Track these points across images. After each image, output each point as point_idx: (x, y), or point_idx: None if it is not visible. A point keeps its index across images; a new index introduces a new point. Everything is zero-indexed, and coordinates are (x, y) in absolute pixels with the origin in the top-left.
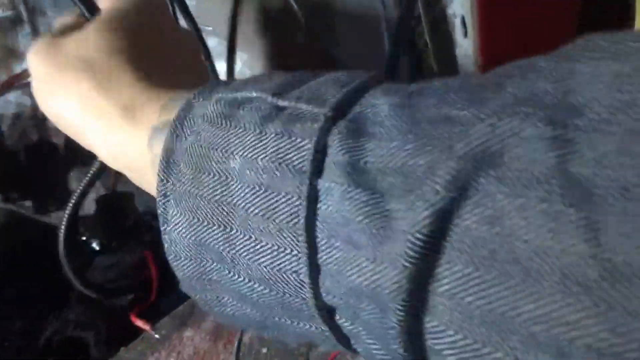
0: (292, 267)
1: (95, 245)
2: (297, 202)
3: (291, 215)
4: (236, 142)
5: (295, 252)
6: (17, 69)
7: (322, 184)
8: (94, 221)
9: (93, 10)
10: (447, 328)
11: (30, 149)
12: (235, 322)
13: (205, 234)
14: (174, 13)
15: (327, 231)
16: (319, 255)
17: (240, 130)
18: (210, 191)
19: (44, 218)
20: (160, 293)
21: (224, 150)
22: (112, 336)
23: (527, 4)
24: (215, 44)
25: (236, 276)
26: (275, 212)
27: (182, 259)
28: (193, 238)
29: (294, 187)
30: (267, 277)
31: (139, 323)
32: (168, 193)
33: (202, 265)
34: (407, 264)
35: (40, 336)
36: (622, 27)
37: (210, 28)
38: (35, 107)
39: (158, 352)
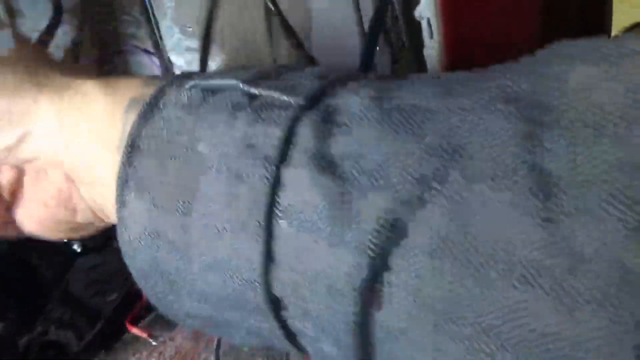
0: (246, 255)
1: (76, 247)
2: (260, 189)
3: (253, 202)
4: (205, 127)
5: (252, 239)
6: None
7: (288, 171)
8: None
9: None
10: (400, 318)
11: None
12: (185, 319)
13: (162, 220)
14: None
15: (288, 219)
16: (276, 243)
17: (211, 116)
18: (174, 176)
19: None
20: None
21: (192, 136)
22: (95, 337)
23: (491, 7)
24: (195, 44)
25: (189, 265)
26: (238, 198)
27: (135, 247)
28: (149, 226)
29: (259, 173)
30: (220, 265)
31: (136, 331)
32: (129, 178)
33: (154, 254)
34: (368, 251)
35: (20, 339)
36: (582, 26)
37: (191, 29)
38: None
39: (139, 353)
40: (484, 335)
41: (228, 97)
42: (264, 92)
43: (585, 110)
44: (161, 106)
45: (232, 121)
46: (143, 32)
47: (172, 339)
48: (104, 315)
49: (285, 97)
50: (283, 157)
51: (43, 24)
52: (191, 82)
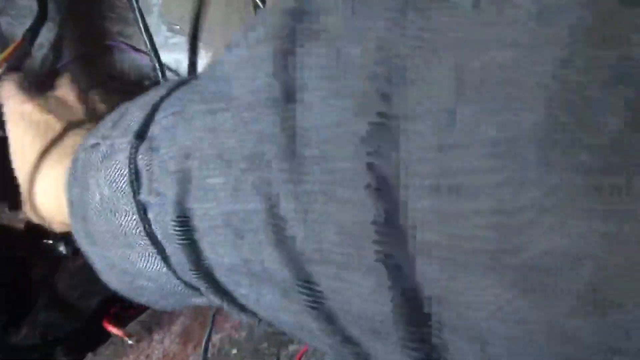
0: (148, 262)
1: (62, 249)
2: (134, 217)
3: (135, 227)
4: (90, 180)
5: (147, 252)
6: None
7: (143, 197)
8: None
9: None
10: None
11: None
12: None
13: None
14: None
15: (161, 228)
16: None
17: (93, 170)
18: (81, 209)
19: (11, 222)
20: None
21: (86, 186)
22: (81, 340)
23: None
24: (182, 41)
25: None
26: (123, 228)
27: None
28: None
29: (128, 205)
30: (124, 266)
31: (112, 329)
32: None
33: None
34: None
35: (7, 342)
36: None
37: (178, 26)
38: None
39: (127, 356)
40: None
41: (97, 153)
42: (108, 142)
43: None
44: (75, 166)
45: (102, 171)
46: (131, 30)
47: (160, 342)
48: (86, 317)
49: (122, 140)
50: (136, 189)
51: (26, 21)
52: (83, 144)
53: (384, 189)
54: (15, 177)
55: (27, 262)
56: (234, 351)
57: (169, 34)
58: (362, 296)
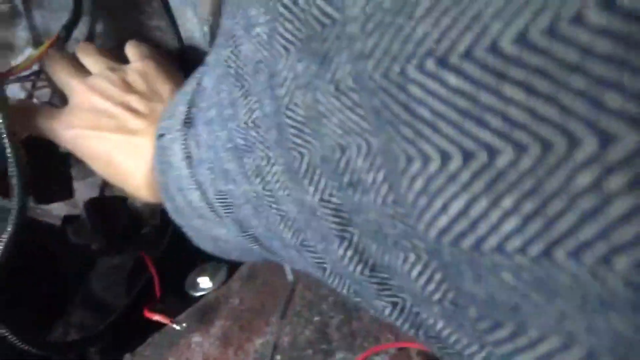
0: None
1: (94, 247)
2: (197, 193)
3: (200, 201)
4: (164, 165)
5: (215, 221)
6: (15, 64)
7: (198, 178)
8: (87, 225)
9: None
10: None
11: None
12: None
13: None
14: None
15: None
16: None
17: (165, 156)
18: (165, 189)
19: (46, 218)
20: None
21: (164, 169)
22: (116, 341)
23: None
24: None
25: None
26: (193, 203)
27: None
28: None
29: (191, 185)
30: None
31: (157, 317)
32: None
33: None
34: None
35: (43, 339)
36: None
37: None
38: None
39: (165, 357)
40: None
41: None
42: (168, 135)
43: None
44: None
45: (172, 150)
46: (165, 24)
47: (199, 345)
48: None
49: (174, 126)
50: (189, 164)
51: (61, 16)
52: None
53: None
54: (43, 167)
55: (62, 258)
56: (278, 357)
57: (206, 29)
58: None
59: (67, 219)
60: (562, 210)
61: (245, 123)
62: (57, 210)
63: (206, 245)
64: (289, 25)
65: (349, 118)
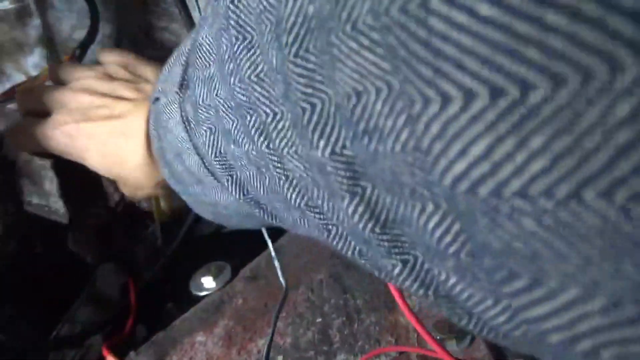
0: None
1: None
2: (195, 158)
3: (198, 165)
4: (160, 130)
5: (213, 185)
6: (25, 63)
7: (195, 140)
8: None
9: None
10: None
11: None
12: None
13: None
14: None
15: (212, 165)
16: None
17: (161, 120)
18: (162, 156)
19: (53, 217)
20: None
21: (160, 135)
22: (121, 337)
23: None
24: None
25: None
26: (191, 167)
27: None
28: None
29: (189, 149)
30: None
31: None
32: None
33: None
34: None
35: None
36: None
37: None
38: None
39: (169, 356)
40: None
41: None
42: (165, 98)
43: None
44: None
45: (171, 115)
46: (176, 25)
47: (203, 344)
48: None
49: (172, 90)
50: (186, 126)
51: (74, 17)
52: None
53: None
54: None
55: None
56: (279, 358)
57: None
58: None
59: (74, 219)
60: (596, 146)
61: (249, 78)
62: (63, 208)
63: (205, 212)
64: None
65: (366, 59)
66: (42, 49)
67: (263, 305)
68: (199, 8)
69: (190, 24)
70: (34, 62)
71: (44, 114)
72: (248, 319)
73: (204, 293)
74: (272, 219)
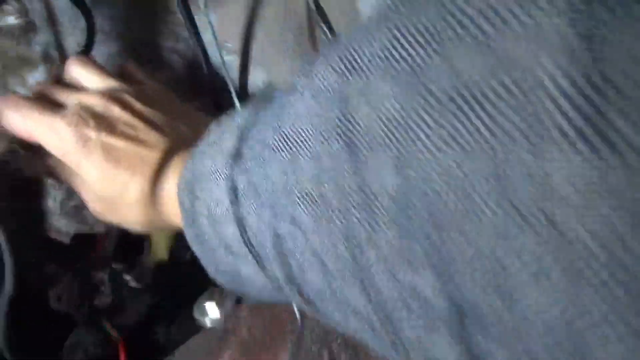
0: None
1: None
2: (236, 230)
3: (236, 238)
4: (199, 192)
5: (248, 259)
6: (30, 78)
7: (243, 213)
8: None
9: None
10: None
11: None
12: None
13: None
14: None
15: (259, 244)
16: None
17: (202, 182)
18: (191, 214)
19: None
20: None
21: (196, 195)
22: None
23: None
24: (233, 60)
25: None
26: (227, 237)
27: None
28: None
29: (230, 219)
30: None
31: None
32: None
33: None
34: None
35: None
36: None
37: (231, 45)
38: None
39: None
40: None
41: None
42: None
43: None
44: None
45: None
46: (182, 45)
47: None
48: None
49: (220, 161)
50: (233, 199)
51: (75, 32)
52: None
53: None
54: None
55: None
56: None
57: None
58: None
59: (77, 237)
60: None
61: (357, 193)
62: (66, 227)
63: (222, 278)
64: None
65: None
66: (47, 65)
67: (269, 337)
68: (212, 27)
69: (199, 44)
70: (38, 78)
71: (56, 104)
72: (253, 353)
73: (208, 325)
74: (310, 308)
